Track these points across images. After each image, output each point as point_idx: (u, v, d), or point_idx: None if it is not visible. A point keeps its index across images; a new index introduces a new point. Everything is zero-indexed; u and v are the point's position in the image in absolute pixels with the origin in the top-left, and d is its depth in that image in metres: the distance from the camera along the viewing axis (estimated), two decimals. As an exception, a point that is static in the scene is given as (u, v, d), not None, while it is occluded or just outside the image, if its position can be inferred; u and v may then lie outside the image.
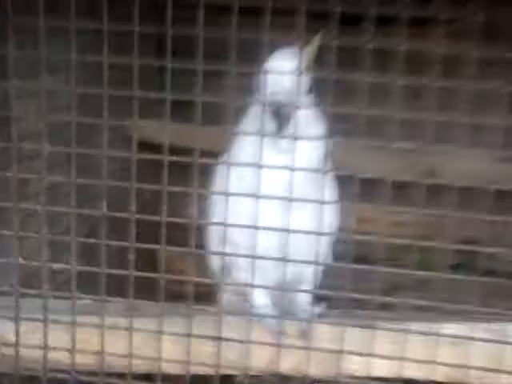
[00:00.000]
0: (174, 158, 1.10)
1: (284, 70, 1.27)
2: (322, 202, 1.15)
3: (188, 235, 1.16)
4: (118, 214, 1.12)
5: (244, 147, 1.41)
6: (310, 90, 1.43)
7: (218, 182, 1.52)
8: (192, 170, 1.09)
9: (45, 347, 1.20)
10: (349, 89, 1.01)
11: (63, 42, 1.10)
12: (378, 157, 2.42)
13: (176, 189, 1.11)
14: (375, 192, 1.11)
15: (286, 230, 1.19)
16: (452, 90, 1.08)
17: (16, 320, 1.20)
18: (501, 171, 2.57)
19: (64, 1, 1.10)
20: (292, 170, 1.15)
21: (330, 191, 1.45)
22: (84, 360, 1.28)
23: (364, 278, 1.10)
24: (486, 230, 2.60)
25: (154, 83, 2.71)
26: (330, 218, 1.46)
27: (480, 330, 1.28)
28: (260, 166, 1.15)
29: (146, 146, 2.33)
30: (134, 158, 1.09)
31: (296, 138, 1.22)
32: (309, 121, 1.40)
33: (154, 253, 2.49)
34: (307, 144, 1.36)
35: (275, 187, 1.21)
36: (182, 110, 1.41)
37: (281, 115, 1.33)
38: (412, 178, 2.34)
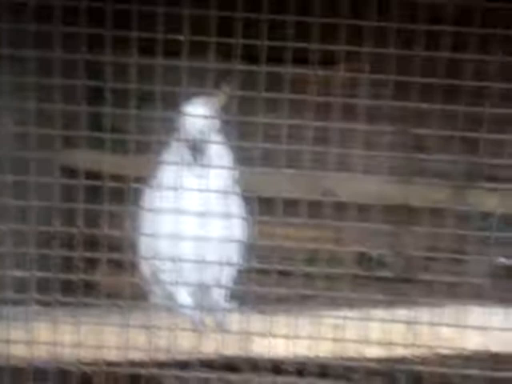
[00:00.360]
0: (112, 184, 1.39)
1: (198, 114, 1.60)
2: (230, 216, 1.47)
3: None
4: (66, 229, 1.41)
5: (167, 174, 1.74)
6: (220, 130, 1.79)
7: (147, 201, 1.84)
8: (123, 193, 1.40)
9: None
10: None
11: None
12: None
13: (114, 207, 1.41)
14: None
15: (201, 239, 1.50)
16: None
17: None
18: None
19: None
20: (205, 191, 1.47)
21: (237, 208, 1.77)
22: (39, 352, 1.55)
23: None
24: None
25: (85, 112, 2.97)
26: (237, 228, 1.78)
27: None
28: (180, 189, 1.46)
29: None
30: (82, 183, 1.38)
31: (208, 166, 1.54)
32: (218, 153, 1.73)
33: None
34: (218, 171, 1.69)
35: (192, 205, 1.53)
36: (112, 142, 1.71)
37: (196, 149, 1.67)
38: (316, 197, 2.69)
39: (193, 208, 1.52)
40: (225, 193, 1.64)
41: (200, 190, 1.51)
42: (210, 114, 1.61)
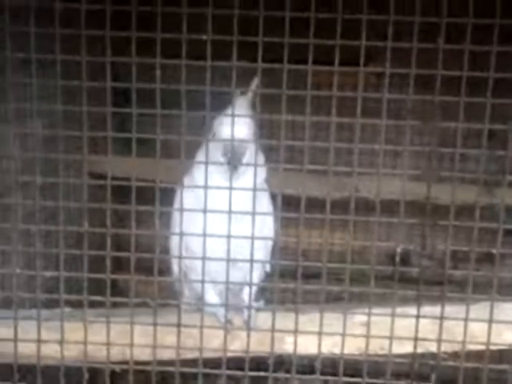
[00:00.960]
0: (140, 184, 1.41)
1: (238, 123, 1.61)
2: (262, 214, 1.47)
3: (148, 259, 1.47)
4: (96, 230, 1.43)
5: (200, 176, 1.76)
6: (255, 134, 1.80)
7: (179, 201, 1.86)
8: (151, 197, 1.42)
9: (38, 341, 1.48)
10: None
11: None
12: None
13: (142, 208, 1.42)
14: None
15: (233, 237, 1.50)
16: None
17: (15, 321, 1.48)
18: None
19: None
20: (239, 189, 1.49)
21: (267, 208, 1.77)
22: (69, 353, 1.57)
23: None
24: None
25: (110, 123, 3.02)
26: (268, 229, 1.79)
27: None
28: (213, 189, 1.47)
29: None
30: (109, 182, 1.40)
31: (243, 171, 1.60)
32: (253, 155, 1.75)
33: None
34: (251, 172, 1.70)
35: (224, 205, 1.52)
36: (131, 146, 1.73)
37: (233, 158, 1.71)
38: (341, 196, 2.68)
39: (225, 208, 1.51)
40: (257, 191, 1.64)
41: (233, 189, 1.51)
42: (249, 124, 1.61)
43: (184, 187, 1.70)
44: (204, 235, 1.47)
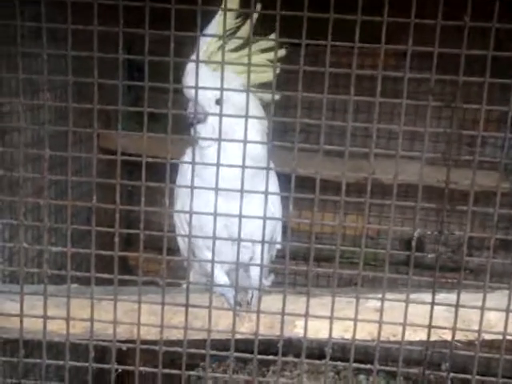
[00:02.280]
0: (151, 160, 1.37)
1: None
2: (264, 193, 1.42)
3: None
4: (104, 206, 1.40)
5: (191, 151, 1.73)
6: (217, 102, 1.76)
7: (181, 178, 1.82)
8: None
9: (44, 317, 1.46)
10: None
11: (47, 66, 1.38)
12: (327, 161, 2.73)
13: (152, 184, 1.39)
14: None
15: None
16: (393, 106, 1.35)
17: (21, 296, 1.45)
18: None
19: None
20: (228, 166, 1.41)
21: (270, 185, 1.73)
22: (75, 330, 1.54)
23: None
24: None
25: (125, 99, 3.00)
26: (271, 206, 1.75)
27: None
28: (216, 166, 1.41)
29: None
30: (119, 158, 1.36)
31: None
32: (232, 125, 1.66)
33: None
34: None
35: (226, 182, 1.44)
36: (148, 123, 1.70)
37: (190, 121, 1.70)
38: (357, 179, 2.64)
39: (219, 184, 1.43)
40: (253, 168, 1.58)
41: (224, 166, 1.41)
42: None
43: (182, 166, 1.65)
44: (212, 214, 1.42)
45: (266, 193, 1.40)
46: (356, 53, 1.25)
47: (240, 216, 1.41)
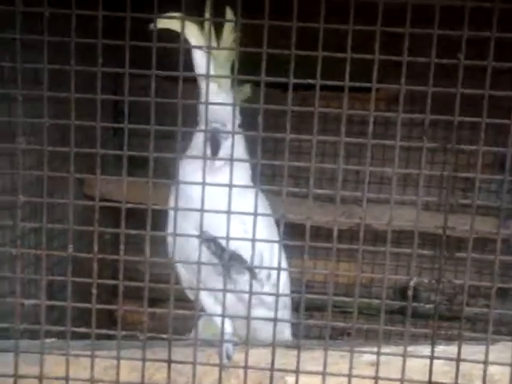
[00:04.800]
0: (130, 205, 1.30)
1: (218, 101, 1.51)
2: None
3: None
4: (81, 255, 1.31)
5: (182, 173, 1.65)
6: (241, 124, 1.74)
7: (172, 199, 1.74)
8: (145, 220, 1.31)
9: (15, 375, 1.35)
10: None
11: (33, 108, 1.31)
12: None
13: (133, 232, 1.31)
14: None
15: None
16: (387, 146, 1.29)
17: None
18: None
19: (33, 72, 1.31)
20: (229, 186, 1.34)
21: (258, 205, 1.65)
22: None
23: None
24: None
25: (110, 145, 2.94)
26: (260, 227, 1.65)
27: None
28: (202, 185, 1.34)
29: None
30: (97, 205, 1.28)
31: (228, 160, 1.40)
32: (238, 147, 1.65)
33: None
34: (237, 165, 1.59)
35: (212, 202, 1.37)
36: (135, 170, 1.63)
37: (215, 140, 1.62)
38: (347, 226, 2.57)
39: (210, 205, 1.35)
40: (242, 190, 1.52)
41: (221, 185, 1.35)
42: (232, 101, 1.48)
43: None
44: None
45: (255, 214, 1.32)
46: (346, 92, 1.19)
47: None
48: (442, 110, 1.26)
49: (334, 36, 1.26)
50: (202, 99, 1.62)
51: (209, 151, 1.64)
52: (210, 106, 1.39)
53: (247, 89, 1.70)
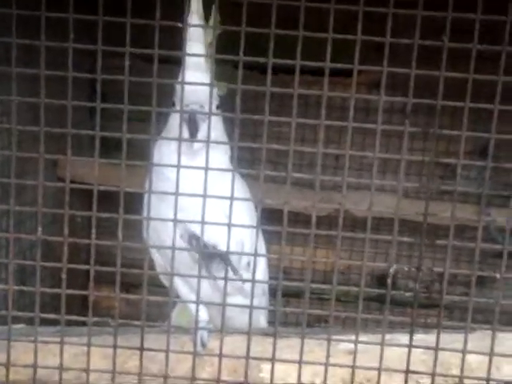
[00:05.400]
0: (102, 188, 1.25)
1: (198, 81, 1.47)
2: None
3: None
4: (50, 238, 1.26)
5: (158, 155, 1.61)
6: (219, 105, 1.72)
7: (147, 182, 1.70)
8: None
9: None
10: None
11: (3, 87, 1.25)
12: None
13: (105, 215, 1.26)
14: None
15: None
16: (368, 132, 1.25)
17: None
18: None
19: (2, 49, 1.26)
20: (205, 169, 1.28)
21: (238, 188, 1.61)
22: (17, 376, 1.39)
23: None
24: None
25: (86, 128, 2.87)
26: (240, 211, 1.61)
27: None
28: (177, 167, 1.29)
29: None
30: (68, 187, 1.24)
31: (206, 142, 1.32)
32: (217, 129, 1.64)
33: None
34: (217, 148, 1.55)
35: (191, 185, 1.34)
36: (112, 154, 1.57)
37: (192, 122, 1.57)
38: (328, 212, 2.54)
39: (189, 188, 1.31)
40: (221, 172, 1.48)
41: (199, 168, 1.29)
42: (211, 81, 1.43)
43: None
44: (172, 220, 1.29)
45: (232, 198, 1.28)
46: (327, 73, 1.15)
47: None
48: (424, 97, 1.23)
49: (316, 18, 1.22)
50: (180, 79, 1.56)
51: (186, 133, 1.59)
52: (188, 87, 1.34)
53: (223, 86, 1.65)
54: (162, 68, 1.25)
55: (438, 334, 1.29)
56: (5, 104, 1.29)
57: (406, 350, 1.32)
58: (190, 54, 1.46)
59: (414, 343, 1.32)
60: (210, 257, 1.67)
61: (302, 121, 1.23)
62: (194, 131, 1.60)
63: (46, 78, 1.22)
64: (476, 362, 1.42)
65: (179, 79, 1.56)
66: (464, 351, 1.29)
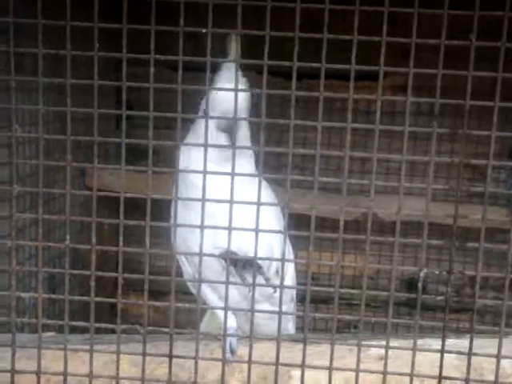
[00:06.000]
0: (129, 195, 1.25)
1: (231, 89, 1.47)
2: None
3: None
4: (79, 246, 1.27)
5: (184, 162, 1.61)
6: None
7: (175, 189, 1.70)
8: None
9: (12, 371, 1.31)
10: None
11: (30, 97, 1.27)
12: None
13: (132, 222, 1.26)
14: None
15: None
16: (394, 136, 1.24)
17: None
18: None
19: (30, 60, 1.26)
20: (234, 175, 1.25)
21: (266, 193, 1.58)
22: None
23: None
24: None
25: (113, 137, 2.89)
26: (269, 217, 1.59)
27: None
28: (206, 173, 1.27)
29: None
30: (95, 194, 1.24)
31: (238, 149, 1.32)
32: (246, 137, 1.67)
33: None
34: (245, 155, 1.55)
35: (220, 191, 1.31)
36: (136, 161, 1.58)
37: (229, 129, 1.58)
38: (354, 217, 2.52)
39: (218, 196, 1.29)
40: (248, 178, 1.46)
41: (228, 174, 1.25)
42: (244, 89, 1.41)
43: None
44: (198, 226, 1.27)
45: (258, 203, 1.26)
46: (352, 75, 1.14)
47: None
48: (449, 99, 1.21)
49: (339, 24, 1.21)
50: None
51: (223, 140, 1.60)
52: (224, 97, 1.35)
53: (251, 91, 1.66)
54: (186, 76, 1.25)
55: (471, 339, 1.26)
56: (33, 114, 1.30)
57: (438, 355, 1.30)
58: (214, 59, 1.45)
59: (447, 349, 1.30)
60: (242, 265, 1.66)
61: (329, 124, 1.22)
62: (233, 139, 1.59)
63: (71, 88, 1.23)
64: (511, 367, 1.39)
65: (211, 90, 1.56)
66: (498, 356, 1.26)
